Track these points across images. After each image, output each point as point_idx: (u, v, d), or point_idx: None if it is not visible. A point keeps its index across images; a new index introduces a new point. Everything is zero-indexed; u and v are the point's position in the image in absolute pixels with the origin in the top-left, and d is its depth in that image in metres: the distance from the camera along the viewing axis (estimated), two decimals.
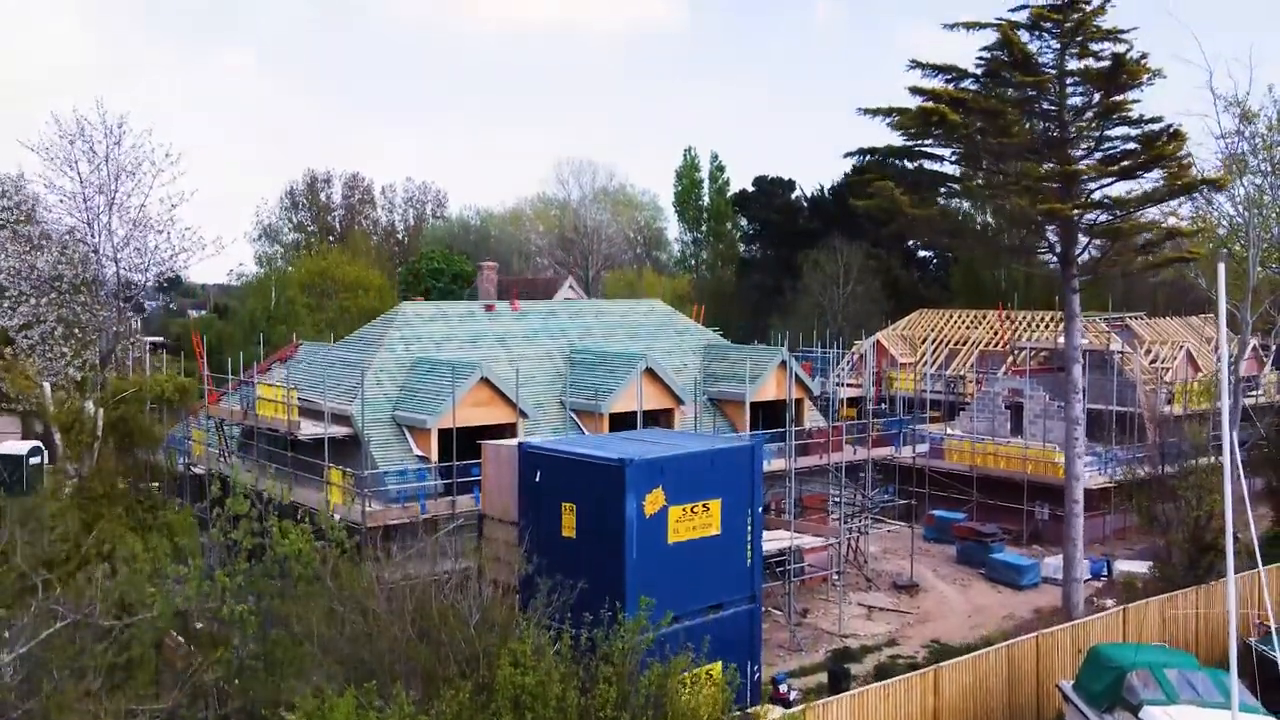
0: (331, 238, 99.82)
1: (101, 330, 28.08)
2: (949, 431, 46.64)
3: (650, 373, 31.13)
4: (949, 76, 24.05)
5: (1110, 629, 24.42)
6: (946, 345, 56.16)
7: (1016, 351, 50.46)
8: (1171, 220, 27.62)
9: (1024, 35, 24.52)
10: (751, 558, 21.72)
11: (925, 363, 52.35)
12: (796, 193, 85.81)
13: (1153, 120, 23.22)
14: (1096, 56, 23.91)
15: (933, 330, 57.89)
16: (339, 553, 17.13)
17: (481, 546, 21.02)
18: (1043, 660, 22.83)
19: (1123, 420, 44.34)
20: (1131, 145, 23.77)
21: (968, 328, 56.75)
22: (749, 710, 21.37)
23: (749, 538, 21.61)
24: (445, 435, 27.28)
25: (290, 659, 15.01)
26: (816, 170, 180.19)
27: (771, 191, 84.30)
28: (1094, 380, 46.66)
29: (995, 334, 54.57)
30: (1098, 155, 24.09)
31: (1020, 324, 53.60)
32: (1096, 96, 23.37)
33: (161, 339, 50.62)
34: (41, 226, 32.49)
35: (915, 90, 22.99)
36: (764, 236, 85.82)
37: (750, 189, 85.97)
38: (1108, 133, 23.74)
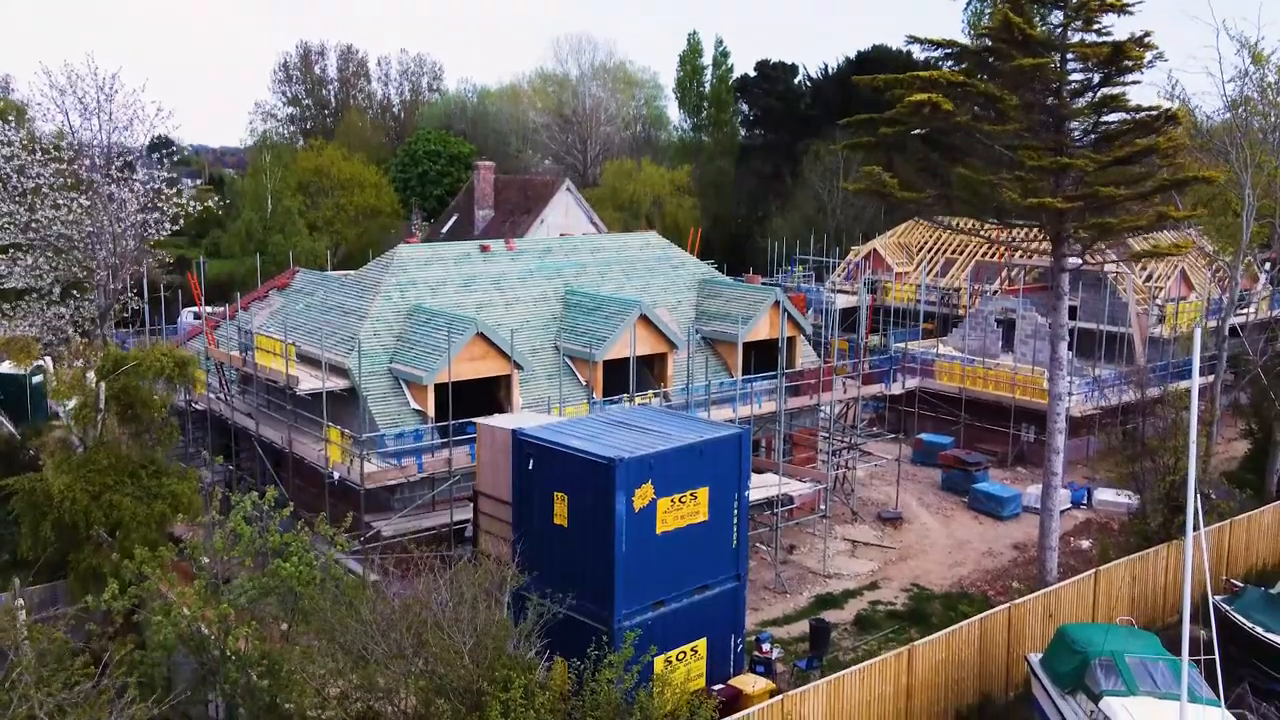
0: (327, 112, 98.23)
1: (100, 286, 28.25)
2: (941, 350, 47.14)
3: (644, 319, 31.43)
4: (948, 51, 23.70)
5: (1082, 594, 25.38)
6: (944, 253, 56.12)
7: (1010, 269, 50.55)
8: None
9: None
10: (737, 539, 22.53)
11: (921, 272, 52.52)
12: (799, 77, 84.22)
13: (1151, 108, 22.98)
14: (1100, 31, 23.48)
15: (930, 237, 57.74)
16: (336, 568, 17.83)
17: (475, 545, 21.75)
18: (1014, 629, 23.83)
19: (1113, 340, 44.78)
20: (1128, 126, 23.56)
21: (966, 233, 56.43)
22: (731, 681, 22.61)
23: (735, 521, 22.37)
24: (441, 388, 27.78)
25: (292, 684, 15.89)
26: (825, 45, 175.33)
27: (773, 77, 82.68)
28: (1086, 299, 46.96)
29: (992, 244, 54.40)
30: (1092, 138, 23.90)
31: (1018, 236, 53.44)
32: (1096, 78, 23.08)
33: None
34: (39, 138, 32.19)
35: (915, 76, 22.68)
36: (764, 122, 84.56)
37: (751, 74, 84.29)
38: (1104, 118, 23.50)
